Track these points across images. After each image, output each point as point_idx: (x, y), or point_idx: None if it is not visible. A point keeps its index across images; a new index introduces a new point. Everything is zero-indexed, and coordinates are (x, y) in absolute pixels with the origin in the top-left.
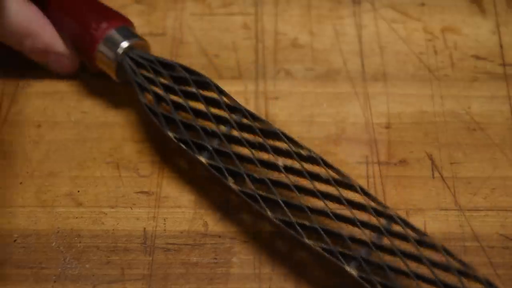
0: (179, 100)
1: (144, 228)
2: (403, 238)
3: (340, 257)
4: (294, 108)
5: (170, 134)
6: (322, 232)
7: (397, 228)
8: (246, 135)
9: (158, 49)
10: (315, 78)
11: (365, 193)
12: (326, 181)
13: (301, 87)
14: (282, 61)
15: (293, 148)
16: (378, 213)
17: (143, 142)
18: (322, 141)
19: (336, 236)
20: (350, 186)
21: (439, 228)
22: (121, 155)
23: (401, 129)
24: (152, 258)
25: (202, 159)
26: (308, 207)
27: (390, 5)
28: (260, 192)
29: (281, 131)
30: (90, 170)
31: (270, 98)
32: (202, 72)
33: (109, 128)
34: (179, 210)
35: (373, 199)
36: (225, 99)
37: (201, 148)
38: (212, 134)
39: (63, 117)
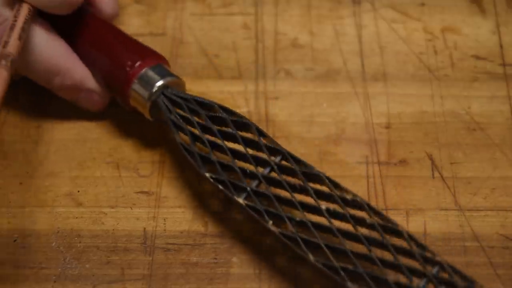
0: (217, 140)
1: (144, 228)
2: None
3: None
4: (294, 108)
5: (207, 175)
6: (366, 277)
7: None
8: (286, 178)
9: (158, 49)
10: (315, 78)
11: (411, 238)
12: (371, 226)
13: (301, 87)
14: (282, 61)
15: (337, 192)
16: (426, 260)
17: (143, 142)
18: (322, 141)
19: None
20: (397, 232)
21: (439, 228)
22: (121, 155)
23: (401, 129)
24: (152, 258)
25: (240, 200)
26: (352, 252)
27: (390, 5)
28: (302, 235)
29: (324, 174)
30: (90, 170)
31: (270, 98)
32: (203, 72)
33: (109, 128)
34: (179, 210)
35: (420, 245)
36: (264, 140)
37: (239, 190)
38: (251, 176)
39: (63, 117)
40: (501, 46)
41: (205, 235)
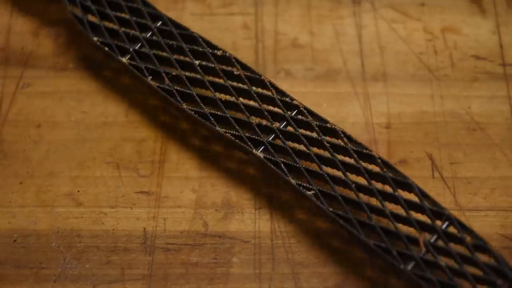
0: (105, 10)
1: (144, 228)
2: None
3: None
4: None
5: (95, 39)
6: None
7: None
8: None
9: None
10: (315, 78)
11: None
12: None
13: (301, 87)
14: (282, 61)
15: (208, 49)
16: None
17: (143, 142)
18: None
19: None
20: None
21: None
22: (121, 155)
23: (401, 129)
24: (152, 258)
25: (124, 60)
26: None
27: (390, 5)
28: (178, 88)
29: (199, 35)
30: (90, 170)
31: None
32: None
33: (109, 128)
34: (179, 210)
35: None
36: (147, 9)
37: (124, 52)
38: (135, 40)
39: (63, 117)
40: (501, 46)
41: (205, 235)
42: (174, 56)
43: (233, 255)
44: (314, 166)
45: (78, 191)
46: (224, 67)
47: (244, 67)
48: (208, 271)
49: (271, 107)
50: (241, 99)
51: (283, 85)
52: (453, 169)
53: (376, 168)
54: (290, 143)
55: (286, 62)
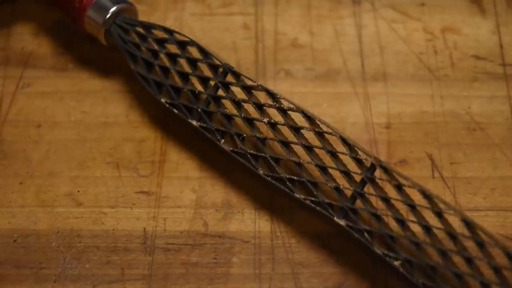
0: (166, 64)
1: (144, 228)
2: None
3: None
4: None
5: (163, 100)
6: (310, 186)
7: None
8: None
9: None
10: (315, 78)
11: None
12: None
13: (301, 87)
14: (282, 61)
15: (274, 104)
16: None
17: (143, 142)
18: None
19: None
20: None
21: None
22: (121, 155)
23: (401, 129)
24: (152, 258)
25: (193, 122)
26: (297, 162)
27: (390, 5)
28: (252, 151)
29: (263, 86)
30: (90, 170)
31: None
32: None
33: (109, 128)
34: (179, 210)
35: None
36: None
37: (192, 112)
38: (199, 96)
39: (63, 117)
40: (501, 46)
41: (205, 235)
42: (242, 114)
43: (233, 255)
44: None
45: (78, 191)
46: (290, 122)
47: (319, 121)
48: (208, 271)
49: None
50: (314, 161)
51: (283, 85)
52: (453, 169)
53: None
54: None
55: (286, 62)
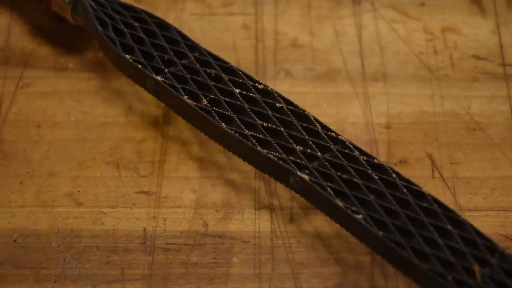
0: (138, 34)
1: (144, 228)
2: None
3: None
4: None
5: (127, 57)
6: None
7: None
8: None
9: None
10: (315, 78)
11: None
12: (280, 110)
13: (301, 87)
14: (282, 61)
15: (249, 82)
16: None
17: (143, 142)
18: None
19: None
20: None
21: None
22: (121, 155)
23: (401, 129)
24: (152, 258)
25: (159, 78)
26: (262, 125)
27: (390, 5)
28: (217, 109)
29: (239, 68)
30: (90, 170)
31: None
32: None
33: (109, 128)
34: (179, 210)
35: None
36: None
37: (158, 71)
38: (169, 63)
39: (63, 117)
40: (501, 46)
41: (205, 235)
42: (212, 83)
43: (233, 255)
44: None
45: (78, 191)
46: (265, 99)
47: (287, 101)
48: (208, 271)
49: (316, 140)
50: (283, 129)
51: (283, 85)
52: (453, 169)
53: (425, 204)
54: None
55: (286, 62)
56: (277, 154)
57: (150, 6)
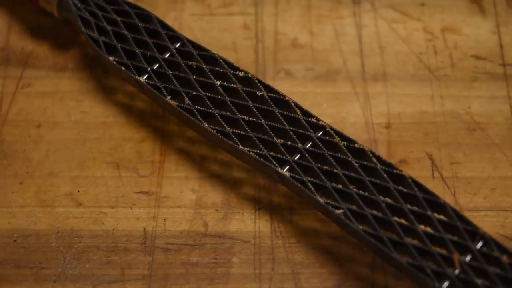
0: (121, 31)
1: (144, 228)
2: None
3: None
4: None
5: (111, 58)
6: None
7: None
8: (185, 61)
9: None
10: (315, 78)
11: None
12: (261, 99)
13: (301, 87)
14: (282, 61)
15: (230, 71)
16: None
17: (143, 142)
18: None
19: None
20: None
21: None
22: (121, 155)
23: (401, 129)
24: (152, 258)
25: (142, 79)
26: (243, 119)
27: (390, 5)
28: (198, 107)
29: (220, 56)
30: (90, 170)
31: None
32: None
33: (109, 128)
34: (179, 210)
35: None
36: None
37: (141, 71)
38: (152, 60)
39: (63, 117)
40: (501, 46)
41: (205, 235)
42: (194, 77)
43: (233, 255)
44: (341, 186)
45: (78, 191)
46: (246, 88)
47: (267, 88)
48: (208, 271)
49: (296, 129)
50: (264, 120)
51: (283, 85)
52: (453, 169)
53: (406, 189)
54: (316, 164)
55: (286, 62)
56: (258, 151)
57: (150, 6)
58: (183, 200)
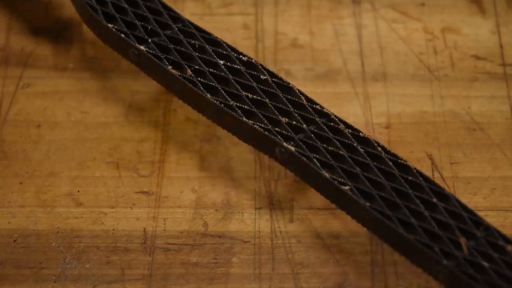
0: (122, 5)
1: (144, 228)
2: None
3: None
4: None
5: (110, 25)
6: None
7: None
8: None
9: None
10: (315, 78)
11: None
12: (265, 82)
13: (301, 87)
14: (282, 61)
15: (234, 54)
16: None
17: (143, 142)
18: None
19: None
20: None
21: None
22: (121, 155)
23: (401, 129)
24: (152, 258)
25: (141, 48)
26: (247, 96)
27: (390, 5)
28: (202, 79)
29: (223, 40)
30: (90, 170)
31: None
32: None
33: (109, 128)
34: (179, 210)
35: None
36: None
37: (141, 41)
38: (152, 33)
39: (63, 117)
40: (501, 46)
41: (205, 235)
42: (197, 54)
43: (233, 255)
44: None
45: (78, 191)
46: (250, 71)
47: (271, 74)
48: (208, 271)
49: (301, 112)
50: (269, 100)
51: None
52: (453, 169)
53: (412, 177)
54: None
55: (286, 62)
56: (262, 125)
57: None
58: (183, 200)
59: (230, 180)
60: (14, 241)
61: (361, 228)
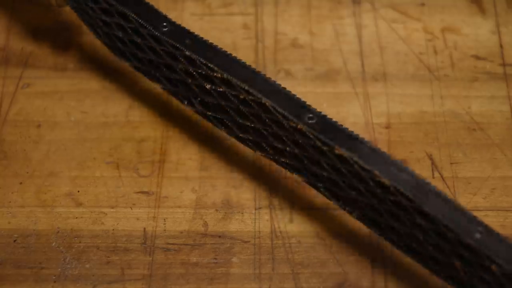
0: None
1: (144, 228)
2: None
3: None
4: None
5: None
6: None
7: None
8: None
9: None
10: (315, 78)
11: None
12: None
13: (301, 87)
14: (282, 61)
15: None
16: None
17: (143, 142)
18: None
19: None
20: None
21: None
22: (121, 155)
23: (401, 129)
24: (152, 258)
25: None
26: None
27: (390, 5)
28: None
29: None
30: (90, 170)
31: None
32: None
33: (109, 128)
34: (179, 210)
35: None
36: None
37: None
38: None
39: (63, 117)
40: (501, 46)
41: (205, 235)
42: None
43: (233, 255)
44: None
45: (78, 191)
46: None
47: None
48: (208, 271)
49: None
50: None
51: (283, 85)
52: (453, 169)
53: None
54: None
55: (286, 62)
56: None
57: None
58: (183, 200)
59: (230, 180)
60: (14, 241)
61: (361, 228)
